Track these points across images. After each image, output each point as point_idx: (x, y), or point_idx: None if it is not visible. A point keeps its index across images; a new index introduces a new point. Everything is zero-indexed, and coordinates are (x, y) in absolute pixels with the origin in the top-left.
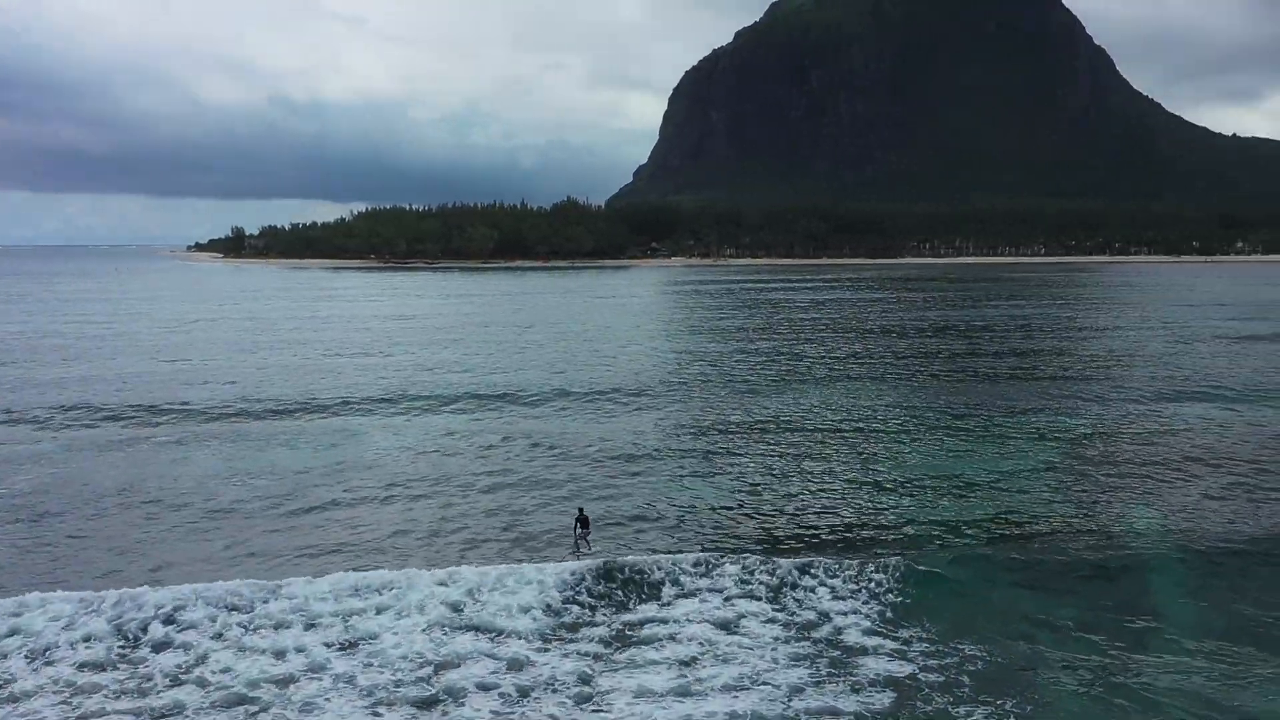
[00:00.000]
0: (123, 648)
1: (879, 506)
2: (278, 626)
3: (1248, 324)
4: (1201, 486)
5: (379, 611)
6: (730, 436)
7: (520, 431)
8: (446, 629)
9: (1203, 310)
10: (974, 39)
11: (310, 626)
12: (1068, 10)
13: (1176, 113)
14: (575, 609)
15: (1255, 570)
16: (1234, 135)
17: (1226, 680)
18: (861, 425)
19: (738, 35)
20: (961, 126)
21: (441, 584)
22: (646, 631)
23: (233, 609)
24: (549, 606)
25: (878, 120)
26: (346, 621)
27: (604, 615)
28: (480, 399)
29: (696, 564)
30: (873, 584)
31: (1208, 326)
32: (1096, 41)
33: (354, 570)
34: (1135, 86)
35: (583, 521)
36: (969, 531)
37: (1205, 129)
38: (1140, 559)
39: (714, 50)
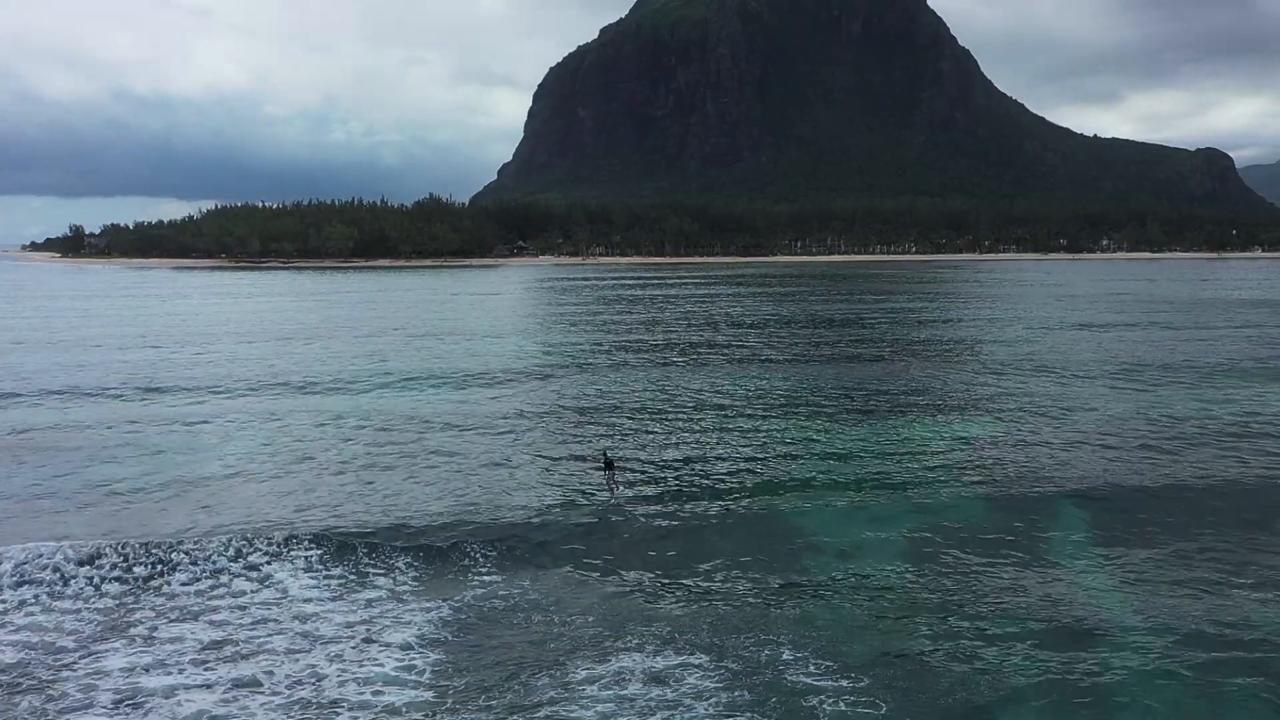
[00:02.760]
0: None
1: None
2: None
3: (1118, 315)
4: (1096, 455)
5: None
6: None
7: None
8: None
9: (1077, 302)
10: (840, 39)
11: None
12: (933, 12)
13: (1039, 113)
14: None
15: (1159, 519)
16: (1095, 136)
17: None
18: (773, 413)
19: (603, 32)
20: (828, 126)
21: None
22: None
23: None
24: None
25: (745, 119)
26: None
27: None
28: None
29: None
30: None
31: (1088, 319)
32: (961, 43)
33: None
34: (999, 88)
35: (609, 464)
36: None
37: (1068, 130)
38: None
39: (579, 47)
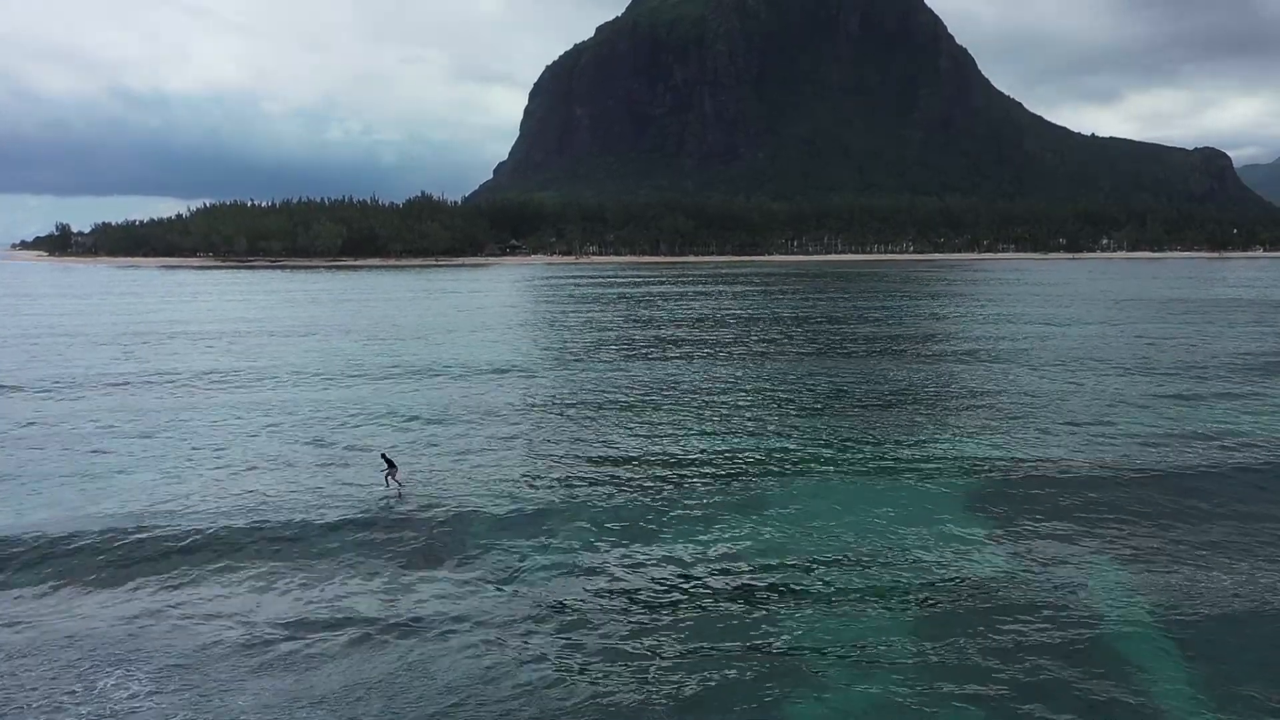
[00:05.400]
0: None
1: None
2: None
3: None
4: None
5: None
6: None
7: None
8: None
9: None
10: (838, 37)
11: None
12: (930, 10)
13: (1037, 112)
14: None
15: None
16: (1093, 135)
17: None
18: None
19: (599, 30)
20: (825, 124)
21: None
22: None
23: None
24: None
25: (742, 117)
26: None
27: None
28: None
29: None
30: None
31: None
32: (959, 41)
33: None
34: (997, 86)
35: (390, 464)
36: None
37: (1065, 129)
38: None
39: (576, 45)
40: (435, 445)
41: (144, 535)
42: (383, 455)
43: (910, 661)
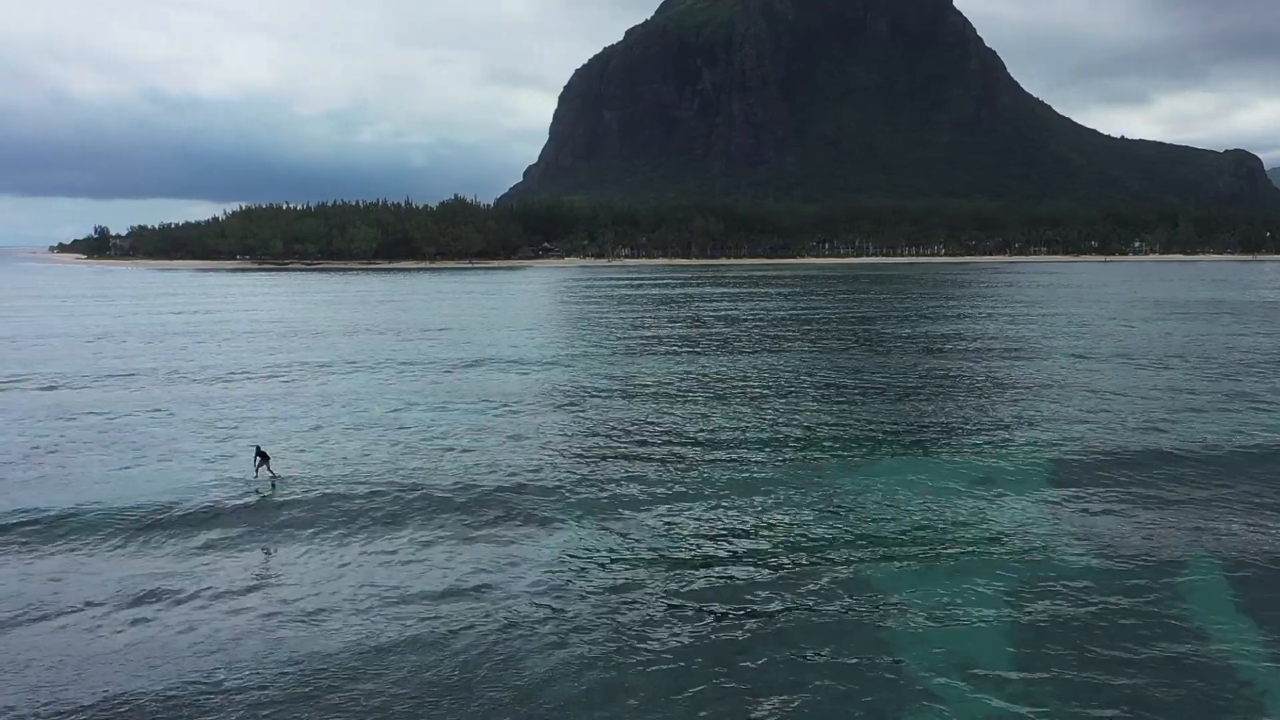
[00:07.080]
0: None
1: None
2: None
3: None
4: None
5: None
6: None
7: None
8: None
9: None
10: (866, 39)
11: None
12: (959, 12)
13: (1066, 115)
14: None
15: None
16: (1122, 137)
17: None
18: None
19: (629, 33)
20: (853, 126)
21: None
22: None
23: None
24: None
25: (770, 120)
26: None
27: None
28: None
29: None
30: None
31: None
32: (987, 43)
33: None
34: (1026, 89)
35: (262, 456)
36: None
37: (1095, 131)
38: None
39: (605, 48)
40: (498, 430)
41: (233, 515)
42: (257, 448)
43: (1002, 646)
